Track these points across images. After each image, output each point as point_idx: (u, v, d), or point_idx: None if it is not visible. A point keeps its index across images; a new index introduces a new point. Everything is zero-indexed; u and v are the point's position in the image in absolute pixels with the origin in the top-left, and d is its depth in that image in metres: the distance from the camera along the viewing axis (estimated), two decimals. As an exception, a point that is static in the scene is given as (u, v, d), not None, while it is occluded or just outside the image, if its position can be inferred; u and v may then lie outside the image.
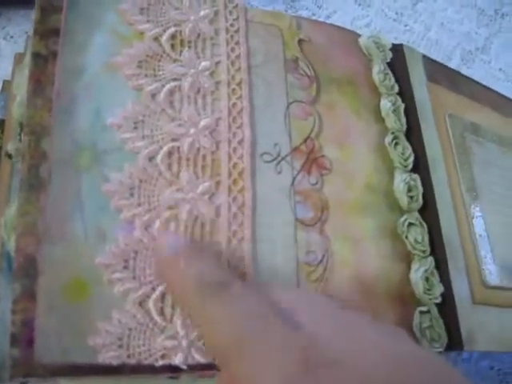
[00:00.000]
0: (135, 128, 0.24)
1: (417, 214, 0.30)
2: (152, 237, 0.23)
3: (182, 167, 0.24)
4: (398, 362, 0.19)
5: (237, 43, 0.28)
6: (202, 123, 0.25)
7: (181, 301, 0.22)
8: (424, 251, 0.29)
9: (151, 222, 0.23)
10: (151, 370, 0.21)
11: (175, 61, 0.26)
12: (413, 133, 0.32)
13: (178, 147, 0.24)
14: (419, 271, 0.28)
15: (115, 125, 0.24)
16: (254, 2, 0.49)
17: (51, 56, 0.24)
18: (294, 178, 0.27)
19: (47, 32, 0.24)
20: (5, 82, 0.35)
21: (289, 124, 0.28)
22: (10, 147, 0.27)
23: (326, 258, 0.26)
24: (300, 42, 0.31)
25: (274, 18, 0.31)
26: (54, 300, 0.21)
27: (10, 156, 0.27)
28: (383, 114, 0.32)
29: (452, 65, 0.51)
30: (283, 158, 0.27)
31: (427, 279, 0.28)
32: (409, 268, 0.29)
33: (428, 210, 0.30)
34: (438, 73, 0.37)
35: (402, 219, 0.29)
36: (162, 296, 0.22)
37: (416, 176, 0.31)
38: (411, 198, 0.30)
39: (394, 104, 0.32)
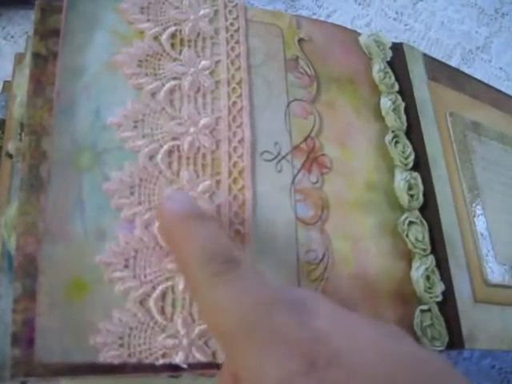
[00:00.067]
0: (135, 127, 0.24)
1: (417, 213, 0.30)
2: (152, 236, 0.23)
3: (182, 166, 0.24)
4: (398, 362, 0.18)
5: (237, 42, 0.28)
6: (202, 122, 0.25)
7: (185, 273, 0.21)
8: (425, 249, 0.29)
9: (151, 220, 0.23)
10: (152, 368, 0.21)
11: (175, 60, 0.26)
12: (413, 131, 0.32)
13: (178, 146, 0.25)
14: (420, 269, 0.28)
15: (115, 124, 0.24)
16: (254, 2, 0.49)
17: (51, 56, 0.24)
18: (294, 177, 0.27)
19: (47, 32, 0.25)
20: (5, 82, 0.35)
21: (289, 123, 0.28)
22: (10, 147, 0.27)
23: (327, 257, 0.26)
24: (300, 41, 0.31)
25: (274, 18, 0.31)
26: (54, 299, 0.21)
27: (10, 156, 0.27)
28: (383, 112, 0.32)
29: (452, 64, 0.50)
30: (283, 157, 0.27)
31: (428, 277, 0.28)
32: (409, 266, 0.29)
33: (429, 209, 0.30)
34: (439, 71, 0.36)
35: (403, 218, 0.29)
36: (163, 295, 0.22)
37: (416, 174, 0.31)
38: (412, 196, 0.30)
39: (394, 102, 0.32)
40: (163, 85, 0.25)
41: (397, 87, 0.33)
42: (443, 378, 0.19)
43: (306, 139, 0.28)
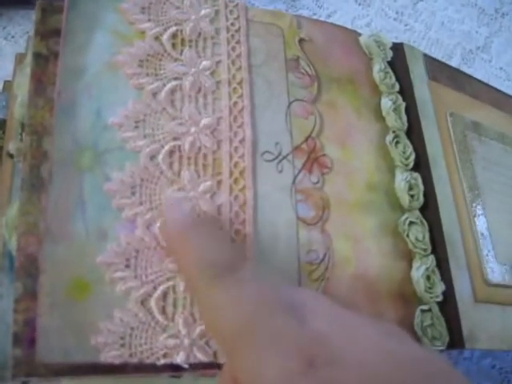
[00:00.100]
0: (136, 127, 0.24)
1: (418, 213, 0.30)
2: (153, 236, 0.23)
3: (183, 166, 0.24)
4: (398, 362, 0.18)
5: (237, 42, 0.28)
6: (203, 122, 0.25)
7: (187, 280, 0.21)
8: (425, 249, 0.29)
9: (153, 220, 0.23)
10: (153, 368, 0.21)
11: (176, 60, 0.26)
12: (414, 131, 0.32)
13: (179, 146, 0.25)
14: (420, 269, 0.28)
15: (116, 124, 0.24)
16: (255, 2, 0.49)
17: (52, 56, 0.24)
18: (295, 177, 0.27)
19: (48, 32, 0.25)
20: (6, 82, 0.35)
21: (290, 123, 0.28)
22: (11, 147, 0.27)
23: (328, 257, 0.26)
24: (301, 41, 0.31)
25: (275, 18, 0.31)
26: (55, 299, 0.21)
27: (11, 156, 0.27)
28: (384, 112, 0.32)
29: (453, 64, 0.50)
30: (284, 157, 0.27)
31: (428, 277, 0.28)
32: (410, 266, 0.29)
33: (429, 209, 0.30)
34: (439, 71, 0.36)
35: (403, 218, 0.29)
36: (164, 295, 0.22)
37: (417, 174, 0.31)
38: (412, 196, 0.30)
39: (394, 103, 0.32)
40: (164, 85, 0.25)
41: (397, 87, 0.33)
42: (444, 377, 0.19)
43: (306, 139, 0.28)
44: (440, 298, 0.28)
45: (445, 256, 0.29)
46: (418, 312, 0.28)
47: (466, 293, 0.29)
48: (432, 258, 0.29)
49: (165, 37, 0.26)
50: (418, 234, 0.29)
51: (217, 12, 0.28)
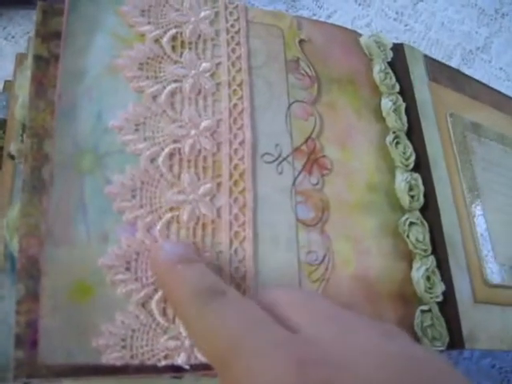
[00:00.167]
0: (136, 130, 0.24)
1: (418, 213, 0.30)
2: (154, 238, 0.23)
3: (183, 169, 0.24)
4: (398, 363, 0.19)
5: (237, 44, 0.28)
6: (203, 124, 0.25)
7: (176, 309, 0.22)
8: (425, 250, 0.29)
9: (153, 223, 0.23)
10: (154, 370, 0.21)
11: (176, 62, 0.26)
12: (414, 132, 0.32)
13: (180, 149, 0.25)
14: (420, 270, 0.28)
15: (116, 127, 0.24)
16: (255, 2, 0.49)
17: (53, 58, 0.24)
18: (295, 179, 0.27)
19: (49, 34, 0.25)
20: (6, 81, 0.35)
21: (290, 124, 0.28)
22: (12, 148, 0.27)
23: (328, 258, 0.26)
24: (301, 42, 0.31)
25: (275, 18, 0.31)
26: (57, 301, 0.21)
27: (12, 157, 0.27)
28: (384, 113, 0.32)
29: (452, 64, 0.51)
30: (284, 159, 0.27)
31: (428, 278, 0.28)
32: (410, 267, 0.29)
33: (429, 209, 0.30)
34: (439, 72, 0.37)
35: (404, 218, 0.29)
36: (164, 297, 0.22)
37: (417, 175, 0.31)
38: (412, 197, 0.30)
39: (394, 103, 0.32)
40: (164, 87, 0.25)
41: (397, 88, 0.33)
42: (444, 378, 0.19)
43: (306, 141, 0.28)
44: (440, 299, 0.28)
45: (445, 257, 0.29)
46: (418, 312, 0.28)
47: (466, 293, 0.29)
48: (432, 258, 0.29)
49: (165, 39, 0.26)
50: (419, 234, 0.29)
51: (216, 14, 0.28)
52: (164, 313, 0.22)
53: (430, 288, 0.28)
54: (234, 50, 0.28)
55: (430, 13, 0.56)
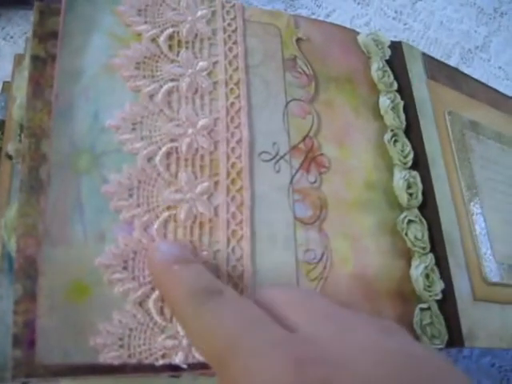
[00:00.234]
0: (133, 129, 0.24)
1: (416, 211, 0.30)
2: (151, 237, 0.23)
3: (180, 168, 0.24)
4: (396, 361, 0.18)
5: (234, 43, 0.28)
6: (200, 123, 0.25)
7: (173, 309, 0.22)
8: (424, 248, 0.29)
9: (150, 222, 0.23)
10: (152, 369, 0.21)
11: (173, 61, 0.26)
12: (412, 130, 0.32)
13: (177, 148, 0.25)
14: (419, 268, 0.28)
15: (113, 126, 0.24)
16: (253, 1, 0.49)
17: (50, 58, 0.24)
18: (292, 177, 0.27)
19: (46, 35, 0.25)
20: (4, 82, 0.36)
21: (287, 122, 0.28)
22: (10, 148, 0.27)
23: (326, 256, 0.26)
24: (298, 40, 0.31)
25: (272, 17, 0.31)
26: (54, 301, 0.21)
27: (10, 157, 0.27)
28: (382, 111, 0.32)
29: (451, 63, 0.51)
30: (282, 157, 0.27)
31: (427, 276, 0.28)
32: (409, 265, 0.29)
33: (428, 207, 0.30)
34: (438, 70, 0.36)
35: (402, 216, 0.29)
36: (162, 296, 0.22)
37: (415, 173, 0.31)
38: (411, 195, 0.30)
39: (393, 101, 0.32)
40: (161, 86, 0.25)
41: (396, 86, 0.33)
42: (444, 376, 0.19)
43: (304, 139, 0.28)
44: (439, 297, 0.28)
45: (444, 254, 0.29)
46: (417, 310, 0.28)
47: (465, 291, 0.29)
48: (431, 256, 0.29)
49: (161, 38, 0.26)
50: (417, 232, 0.29)
51: (213, 13, 0.28)
52: (161, 312, 0.22)
53: (429, 286, 0.28)
54: (230, 49, 0.28)
55: (428, 12, 0.56)
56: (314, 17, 0.51)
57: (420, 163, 0.31)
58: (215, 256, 0.24)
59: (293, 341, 0.19)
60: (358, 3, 0.54)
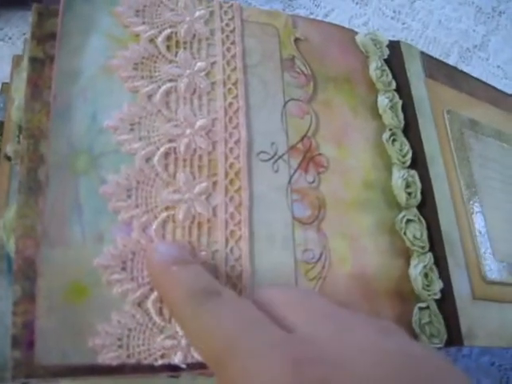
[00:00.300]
0: (131, 130, 0.24)
1: (415, 211, 0.30)
2: (149, 238, 0.23)
3: (178, 168, 0.24)
4: (395, 361, 0.18)
5: (232, 43, 0.28)
6: (199, 124, 0.25)
7: (172, 310, 0.22)
8: (423, 247, 0.29)
9: (148, 223, 0.23)
10: (151, 369, 0.21)
11: (171, 62, 0.26)
12: (410, 129, 0.32)
13: (175, 148, 0.25)
14: (418, 267, 0.28)
15: (111, 127, 0.24)
16: (252, 1, 0.50)
17: (48, 60, 0.24)
18: (290, 177, 0.27)
19: (44, 36, 0.25)
20: (3, 84, 0.36)
21: (285, 122, 0.28)
22: (8, 149, 0.27)
23: (324, 256, 0.26)
24: (296, 40, 0.31)
25: (270, 17, 0.31)
26: (53, 302, 0.21)
27: (8, 158, 0.27)
28: (380, 110, 0.32)
29: (450, 62, 0.50)
30: (280, 157, 0.27)
31: (426, 275, 0.28)
32: (408, 264, 0.29)
33: (427, 206, 0.30)
34: (436, 69, 0.36)
35: (401, 216, 0.29)
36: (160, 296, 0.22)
37: (414, 172, 0.31)
38: (409, 194, 0.30)
39: (391, 100, 0.32)
40: (159, 87, 0.25)
41: (394, 85, 0.33)
42: (444, 375, 0.19)
43: (302, 139, 0.28)
44: (438, 296, 0.28)
45: (443, 254, 0.29)
46: (415, 310, 0.28)
47: (464, 290, 0.29)
48: (430, 255, 0.29)
49: (159, 39, 0.26)
50: (416, 231, 0.29)
51: (211, 13, 0.28)
52: (160, 312, 0.22)
53: (427, 285, 0.28)
54: (228, 49, 0.28)
55: (427, 11, 0.56)
56: (312, 16, 0.51)
57: (419, 162, 0.31)
58: (214, 256, 0.24)
59: (291, 341, 0.19)
60: (357, 3, 0.54)
